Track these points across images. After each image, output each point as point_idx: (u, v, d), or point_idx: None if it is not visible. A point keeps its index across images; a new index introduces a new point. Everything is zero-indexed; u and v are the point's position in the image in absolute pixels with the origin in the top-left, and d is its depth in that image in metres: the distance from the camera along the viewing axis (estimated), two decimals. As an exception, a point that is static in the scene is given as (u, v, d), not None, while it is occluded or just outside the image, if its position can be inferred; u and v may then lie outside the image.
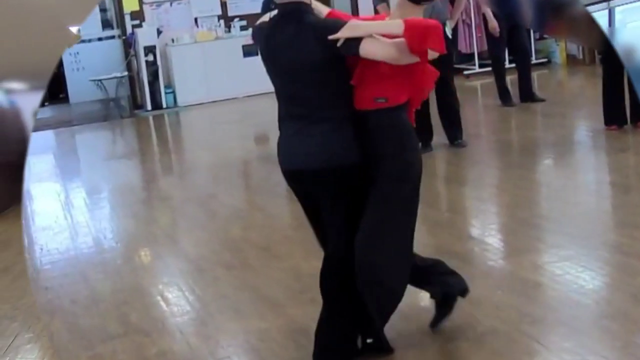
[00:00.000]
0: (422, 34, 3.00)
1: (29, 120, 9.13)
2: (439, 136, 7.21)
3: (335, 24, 3.10)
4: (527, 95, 8.78)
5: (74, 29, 12.77)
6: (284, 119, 3.39)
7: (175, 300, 4.37)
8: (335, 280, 3.29)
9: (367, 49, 3.05)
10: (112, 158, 9.67)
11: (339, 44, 3.06)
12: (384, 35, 3.06)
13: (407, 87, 3.24)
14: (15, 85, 5.25)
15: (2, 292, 4.92)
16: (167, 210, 6.77)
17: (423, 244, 4.71)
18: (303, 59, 3.13)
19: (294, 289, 4.28)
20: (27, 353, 3.97)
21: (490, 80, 11.15)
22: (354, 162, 3.18)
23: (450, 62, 7.26)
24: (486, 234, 4.95)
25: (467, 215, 5.42)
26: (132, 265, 5.12)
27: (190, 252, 5.21)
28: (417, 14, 3.22)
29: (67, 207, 6.89)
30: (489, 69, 11.69)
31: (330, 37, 3.05)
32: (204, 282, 4.60)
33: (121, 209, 6.82)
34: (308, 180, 3.25)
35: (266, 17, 3.35)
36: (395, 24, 3.05)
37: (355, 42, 3.04)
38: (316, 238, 3.48)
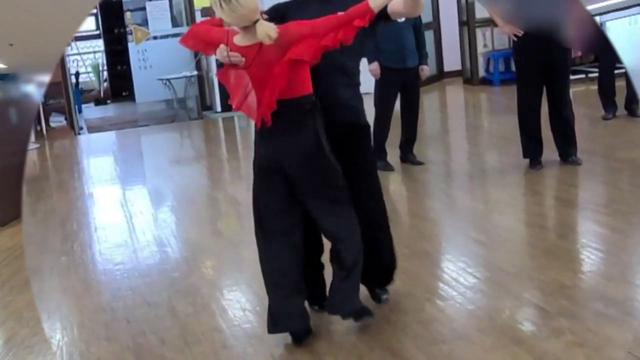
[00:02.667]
0: None
1: (34, 116, 8.57)
2: (548, 151, 6.49)
3: None
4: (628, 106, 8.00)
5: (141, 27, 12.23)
6: None
7: (285, 350, 3.70)
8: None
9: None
10: (179, 162, 9.15)
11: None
12: None
13: None
14: (44, 78, 4.80)
15: (23, 310, 4.44)
16: (245, 223, 6.18)
17: (566, 286, 4.02)
18: None
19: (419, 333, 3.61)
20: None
21: (584, 88, 10.39)
22: None
23: (568, 70, 6.52)
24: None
25: (614, 252, 4.63)
26: (225, 298, 4.46)
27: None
28: None
29: (136, 218, 6.33)
30: (582, 75, 10.93)
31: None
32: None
33: (197, 222, 6.25)
34: None
35: None
36: None
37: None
38: None
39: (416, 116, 7.06)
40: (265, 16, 3.40)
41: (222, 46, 3.36)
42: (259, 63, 3.32)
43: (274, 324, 3.62)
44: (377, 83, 6.93)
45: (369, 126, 3.77)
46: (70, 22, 3.78)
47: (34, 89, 5.28)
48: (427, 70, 7.02)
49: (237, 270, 4.94)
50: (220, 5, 3.24)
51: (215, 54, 3.44)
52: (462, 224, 5.37)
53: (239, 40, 3.38)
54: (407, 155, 7.10)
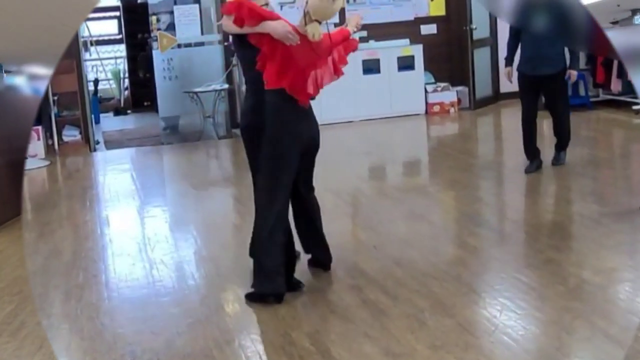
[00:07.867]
0: None
1: (34, 112, 7.86)
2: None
3: None
4: None
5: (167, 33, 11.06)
6: None
7: None
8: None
9: None
10: (204, 188, 8.03)
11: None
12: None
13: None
14: (39, 70, 4.30)
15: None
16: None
17: None
18: None
19: None
20: None
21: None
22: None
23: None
24: None
25: None
26: None
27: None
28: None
29: (158, 270, 5.17)
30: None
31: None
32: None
33: (233, 278, 5.08)
34: None
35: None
36: None
37: None
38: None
39: (562, 122, 7.06)
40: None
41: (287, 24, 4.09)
42: (305, 50, 4.04)
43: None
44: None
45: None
46: (72, 12, 3.42)
47: (33, 83, 4.53)
48: (574, 75, 7.00)
49: (289, 356, 3.76)
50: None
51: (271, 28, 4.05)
52: (578, 306, 4.14)
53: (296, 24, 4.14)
54: (557, 157, 7.23)
